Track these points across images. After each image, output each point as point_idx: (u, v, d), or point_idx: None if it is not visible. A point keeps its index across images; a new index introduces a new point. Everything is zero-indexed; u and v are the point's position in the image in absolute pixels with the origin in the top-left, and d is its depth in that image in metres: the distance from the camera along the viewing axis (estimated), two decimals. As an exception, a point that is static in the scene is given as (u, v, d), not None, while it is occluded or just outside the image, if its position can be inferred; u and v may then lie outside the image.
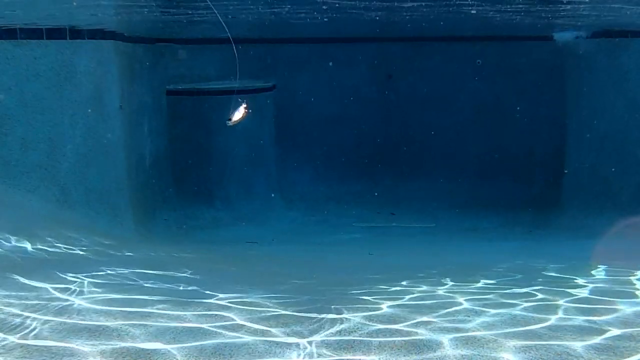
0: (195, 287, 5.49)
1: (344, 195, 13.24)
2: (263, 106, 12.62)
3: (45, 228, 7.32)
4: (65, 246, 6.88)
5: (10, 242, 6.45)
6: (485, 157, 13.51)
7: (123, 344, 3.74)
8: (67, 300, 4.66)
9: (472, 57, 13.41)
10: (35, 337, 3.81)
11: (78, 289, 5.01)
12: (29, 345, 3.66)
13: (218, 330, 4.07)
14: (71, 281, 5.21)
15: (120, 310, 4.43)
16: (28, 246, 6.48)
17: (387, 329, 4.14)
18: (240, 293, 5.20)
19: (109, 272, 5.82)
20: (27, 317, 4.13)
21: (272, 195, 12.74)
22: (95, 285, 5.18)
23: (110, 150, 9.15)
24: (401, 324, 4.27)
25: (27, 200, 7.96)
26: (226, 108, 7.38)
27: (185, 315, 4.41)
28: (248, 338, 3.94)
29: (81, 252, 6.82)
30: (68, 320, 4.14)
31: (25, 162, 8.09)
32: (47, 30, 8.17)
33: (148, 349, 3.69)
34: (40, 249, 6.54)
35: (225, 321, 4.30)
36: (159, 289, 5.38)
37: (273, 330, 4.12)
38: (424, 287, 5.66)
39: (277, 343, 3.87)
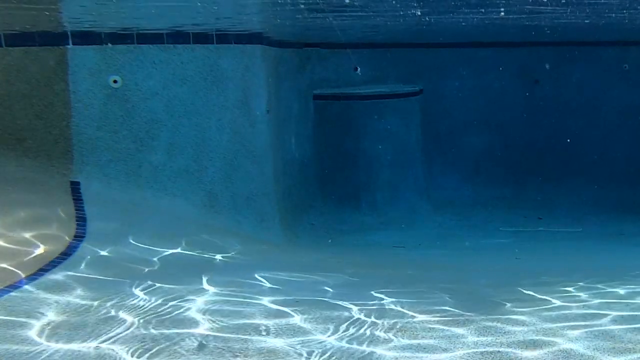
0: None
1: (490, 200, 12.57)
2: (410, 110, 12.03)
3: (193, 233, 7.04)
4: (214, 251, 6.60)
5: (158, 247, 6.19)
6: (632, 162, 12.69)
7: None
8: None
9: (618, 62, 12.60)
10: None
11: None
12: None
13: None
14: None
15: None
16: (177, 250, 6.29)
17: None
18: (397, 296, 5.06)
19: (267, 275, 5.61)
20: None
21: (420, 200, 12.03)
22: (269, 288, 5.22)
23: (257, 155, 8.67)
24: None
25: (174, 205, 7.63)
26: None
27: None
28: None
29: (232, 257, 6.59)
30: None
31: (172, 167, 7.73)
32: (194, 35, 7.71)
33: None
34: (189, 254, 6.30)
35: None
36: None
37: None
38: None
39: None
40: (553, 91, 12.79)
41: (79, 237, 5.84)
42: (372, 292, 5.14)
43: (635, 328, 4.08)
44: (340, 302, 4.70)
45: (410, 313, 4.46)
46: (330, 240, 10.07)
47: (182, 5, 6.65)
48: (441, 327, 4.14)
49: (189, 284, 5.02)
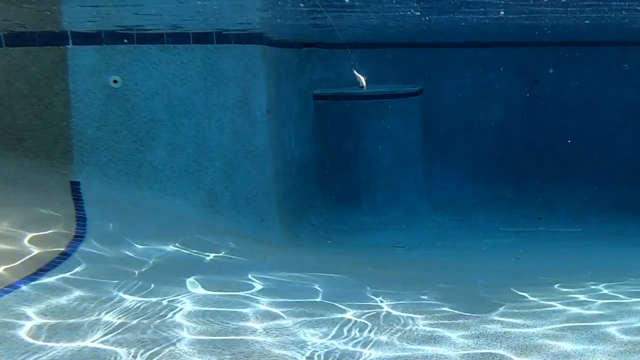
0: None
1: (490, 200, 12.51)
2: (410, 110, 12.00)
3: (193, 233, 7.02)
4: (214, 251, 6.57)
5: (157, 247, 6.20)
6: (632, 162, 12.62)
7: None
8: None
9: (618, 62, 12.54)
10: None
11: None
12: None
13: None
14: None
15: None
16: (176, 250, 6.29)
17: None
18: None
19: (266, 276, 5.62)
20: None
21: (420, 200, 11.99)
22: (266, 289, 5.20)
23: (257, 155, 8.66)
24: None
25: (174, 205, 7.62)
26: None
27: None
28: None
29: (232, 257, 6.55)
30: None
31: (172, 167, 7.72)
32: (194, 35, 7.69)
33: None
34: (188, 254, 6.28)
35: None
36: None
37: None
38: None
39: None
40: (553, 91, 12.73)
41: (78, 237, 5.83)
42: (372, 293, 5.13)
43: (635, 329, 4.07)
44: (340, 303, 4.69)
45: (410, 314, 4.46)
46: (330, 241, 10.04)
47: (182, 5, 6.65)
48: (440, 328, 4.14)
49: (188, 285, 5.02)
